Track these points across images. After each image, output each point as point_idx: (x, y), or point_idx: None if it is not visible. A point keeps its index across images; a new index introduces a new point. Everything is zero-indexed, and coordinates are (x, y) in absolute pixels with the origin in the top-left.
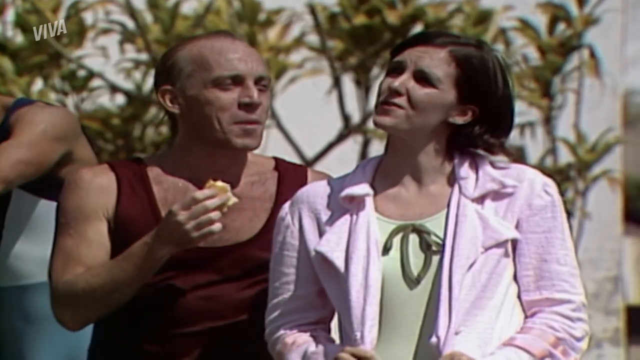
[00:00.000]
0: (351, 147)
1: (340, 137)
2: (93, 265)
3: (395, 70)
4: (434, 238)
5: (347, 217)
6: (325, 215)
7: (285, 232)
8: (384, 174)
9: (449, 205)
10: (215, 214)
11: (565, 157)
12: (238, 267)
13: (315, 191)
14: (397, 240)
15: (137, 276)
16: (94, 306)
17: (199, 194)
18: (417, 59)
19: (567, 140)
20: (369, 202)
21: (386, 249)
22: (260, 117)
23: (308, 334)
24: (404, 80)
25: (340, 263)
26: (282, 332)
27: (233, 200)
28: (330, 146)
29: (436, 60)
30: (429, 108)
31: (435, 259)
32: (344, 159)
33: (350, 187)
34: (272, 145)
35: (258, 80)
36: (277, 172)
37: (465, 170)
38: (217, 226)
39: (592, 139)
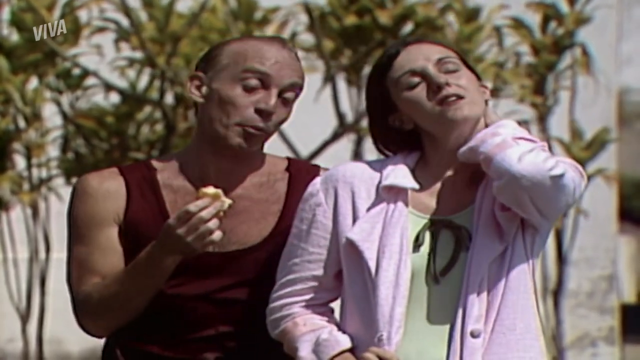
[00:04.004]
0: (345, 146)
1: (335, 136)
2: (108, 273)
3: (414, 83)
4: (464, 233)
5: (383, 206)
6: (360, 200)
7: (315, 209)
8: (424, 167)
9: (475, 200)
10: (213, 223)
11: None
12: (248, 271)
13: (353, 172)
14: (428, 236)
15: (149, 284)
16: (112, 315)
17: (192, 206)
18: (428, 54)
19: (561, 139)
20: (409, 195)
21: (417, 245)
22: (269, 127)
23: (319, 317)
24: (439, 75)
25: (369, 255)
26: (293, 310)
27: (228, 203)
28: (325, 145)
29: (440, 48)
30: (475, 88)
31: (464, 255)
32: (338, 157)
33: (394, 177)
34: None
35: (285, 90)
36: (288, 172)
37: None
38: (217, 234)
39: (587, 138)
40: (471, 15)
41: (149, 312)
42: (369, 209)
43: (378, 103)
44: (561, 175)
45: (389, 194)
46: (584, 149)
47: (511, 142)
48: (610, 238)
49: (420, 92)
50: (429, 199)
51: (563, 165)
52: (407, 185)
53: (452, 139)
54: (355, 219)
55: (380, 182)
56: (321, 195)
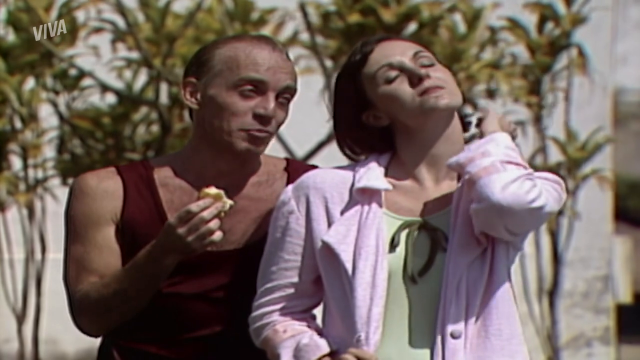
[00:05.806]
0: None
1: (330, 137)
2: (105, 272)
3: (392, 77)
4: (440, 235)
5: (357, 208)
6: (333, 204)
7: (288, 217)
8: (398, 166)
9: (452, 201)
10: (214, 224)
11: (555, 156)
12: (245, 270)
13: (323, 177)
14: (403, 237)
15: (148, 284)
16: (110, 314)
17: (194, 206)
18: (403, 50)
19: (557, 139)
20: (384, 196)
21: (393, 246)
22: (272, 129)
23: (299, 323)
24: (419, 68)
25: (346, 257)
26: (273, 318)
27: (229, 204)
28: (320, 145)
29: (413, 44)
30: (452, 80)
31: (440, 256)
32: (333, 158)
33: (367, 179)
34: None
35: (282, 92)
36: (286, 173)
37: None
38: (217, 235)
39: (582, 138)
40: (475, 16)
41: (146, 311)
42: (343, 212)
43: (351, 101)
44: (541, 207)
45: (363, 196)
46: (580, 149)
47: (498, 167)
48: (606, 238)
49: (399, 85)
50: (403, 199)
51: (545, 195)
52: (380, 186)
53: (429, 130)
54: (330, 223)
55: (353, 185)
56: (293, 203)
